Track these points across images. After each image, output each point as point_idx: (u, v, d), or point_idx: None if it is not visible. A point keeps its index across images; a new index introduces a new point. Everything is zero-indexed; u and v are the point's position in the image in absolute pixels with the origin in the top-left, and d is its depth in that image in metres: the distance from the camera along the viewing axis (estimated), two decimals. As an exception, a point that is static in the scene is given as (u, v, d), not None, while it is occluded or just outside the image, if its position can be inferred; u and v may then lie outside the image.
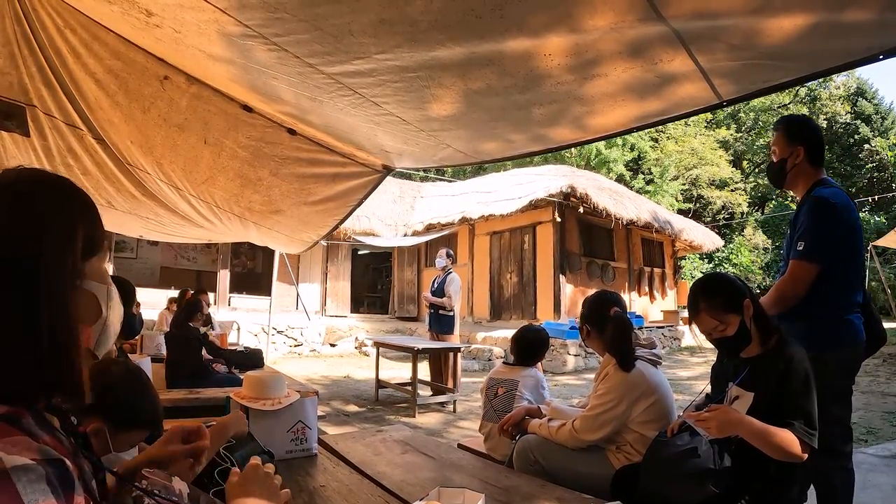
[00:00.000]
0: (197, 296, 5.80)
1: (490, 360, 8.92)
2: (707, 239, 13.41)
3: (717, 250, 16.53)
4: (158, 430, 1.21)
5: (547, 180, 10.20)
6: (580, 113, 1.99)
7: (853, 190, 19.99)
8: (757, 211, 22.57)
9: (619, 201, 10.45)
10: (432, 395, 5.97)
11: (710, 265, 18.64)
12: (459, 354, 5.98)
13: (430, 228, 12.08)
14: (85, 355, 0.67)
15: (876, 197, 14.84)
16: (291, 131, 2.74)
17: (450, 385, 5.83)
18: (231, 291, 11.66)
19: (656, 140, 20.67)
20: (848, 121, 21.61)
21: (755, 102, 21.21)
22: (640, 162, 19.96)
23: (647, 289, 12.05)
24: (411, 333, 10.68)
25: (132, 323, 4.14)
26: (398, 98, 2.01)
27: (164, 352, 4.00)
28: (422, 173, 15.00)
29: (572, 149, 15.05)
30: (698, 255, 18.09)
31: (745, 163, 23.09)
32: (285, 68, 1.90)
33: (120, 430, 1.16)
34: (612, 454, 1.95)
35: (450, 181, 15.43)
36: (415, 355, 5.45)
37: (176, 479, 0.92)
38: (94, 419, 1.11)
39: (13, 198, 0.62)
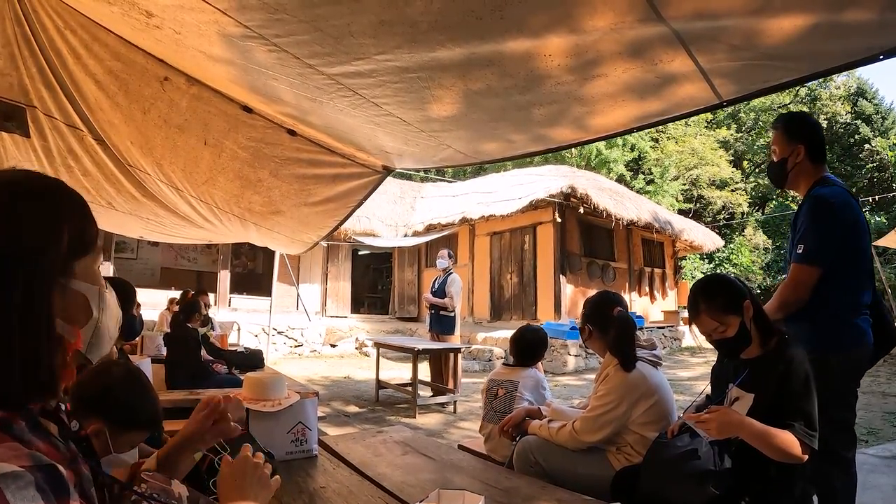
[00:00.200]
0: (197, 296, 5.80)
1: (490, 360, 8.91)
2: (707, 239, 13.40)
3: (718, 250, 16.50)
4: (158, 431, 1.21)
5: (547, 181, 10.20)
6: (580, 113, 1.99)
7: (853, 190, 19.83)
8: (757, 211, 22.54)
9: (620, 201, 10.44)
10: (433, 396, 5.97)
11: (711, 265, 18.61)
12: (460, 355, 5.97)
13: (430, 229, 12.07)
14: (74, 357, 0.66)
15: (876, 197, 14.80)
16: (291, 132, 2.74)
17: (450, 386, 5.82)
18: (231, 292, 11.67)
19: (657, 140, 20.65)
20: (848, 121, 21.57)
21: (755, 102, 21.17)
22: (640, 162, 19.95)
23: (647, 289, 12.05)
24: (412, 334, 10.67)
25: (133, 324, 4.12)
26: (398, 99, 2.01)
27: (164, 353, 4.00)
28: (422, 174, 14.99)
29: (572, 149, 15.08)
30: (699, 256, 18.07)
31: (745, 163, 23.07)
32: (285, 69, 1.91)
33: (120, 430, 1.16)
34: (613, 455, 1.95)
35: (450, 182, 15.44)
36: (415, 356, 5.45)
37: (175, 482, 0.92)
38: (94, 420, 1.12)
39: None
